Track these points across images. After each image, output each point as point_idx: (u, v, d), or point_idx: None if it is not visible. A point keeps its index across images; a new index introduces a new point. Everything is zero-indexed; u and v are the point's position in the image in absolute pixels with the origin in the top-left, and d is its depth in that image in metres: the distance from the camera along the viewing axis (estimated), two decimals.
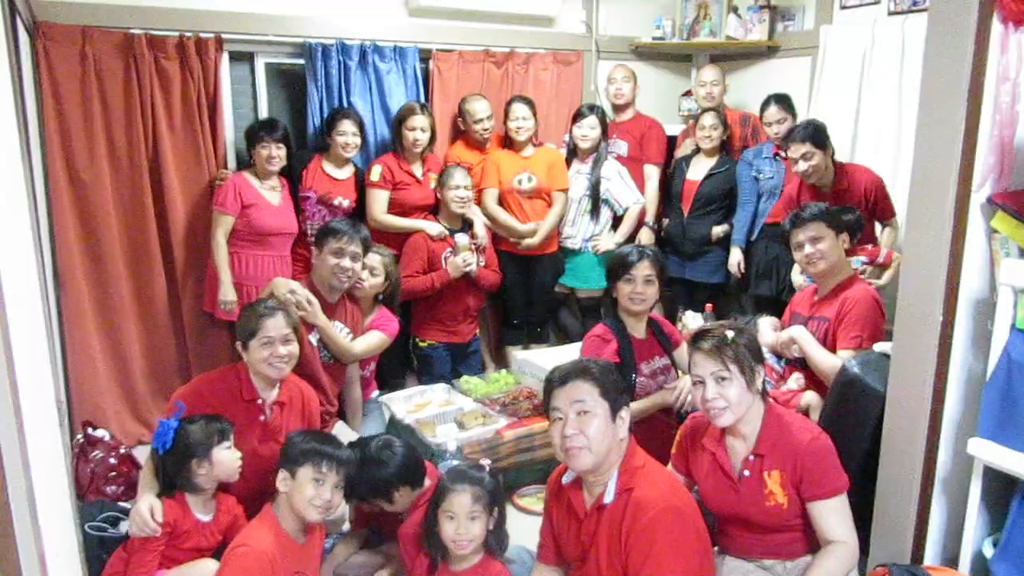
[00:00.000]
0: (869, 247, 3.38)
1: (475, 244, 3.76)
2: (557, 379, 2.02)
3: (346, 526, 2.72)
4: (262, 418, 2.52)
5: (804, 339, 2.80)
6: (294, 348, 2.54)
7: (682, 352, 2.99)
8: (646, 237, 4.21)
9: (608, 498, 1.95)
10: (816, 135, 3.40)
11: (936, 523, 2.20)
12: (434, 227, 3.72)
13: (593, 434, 1.93)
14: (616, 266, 2.92)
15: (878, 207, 3.48)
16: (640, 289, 2.87)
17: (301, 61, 3.80)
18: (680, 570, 1.84)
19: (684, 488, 2.10)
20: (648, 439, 2.58)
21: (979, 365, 2.14)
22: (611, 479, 1.97)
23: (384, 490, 2.34)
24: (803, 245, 2.84)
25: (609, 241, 4.13)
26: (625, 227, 4.16)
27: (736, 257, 4.00)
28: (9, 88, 1.99)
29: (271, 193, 3.52)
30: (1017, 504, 2.05)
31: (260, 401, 2.53)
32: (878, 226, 3.58)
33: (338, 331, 3.06)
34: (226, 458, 2.27)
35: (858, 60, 3.97)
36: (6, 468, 1.17)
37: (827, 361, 2.70)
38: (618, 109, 4.35)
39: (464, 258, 3.65)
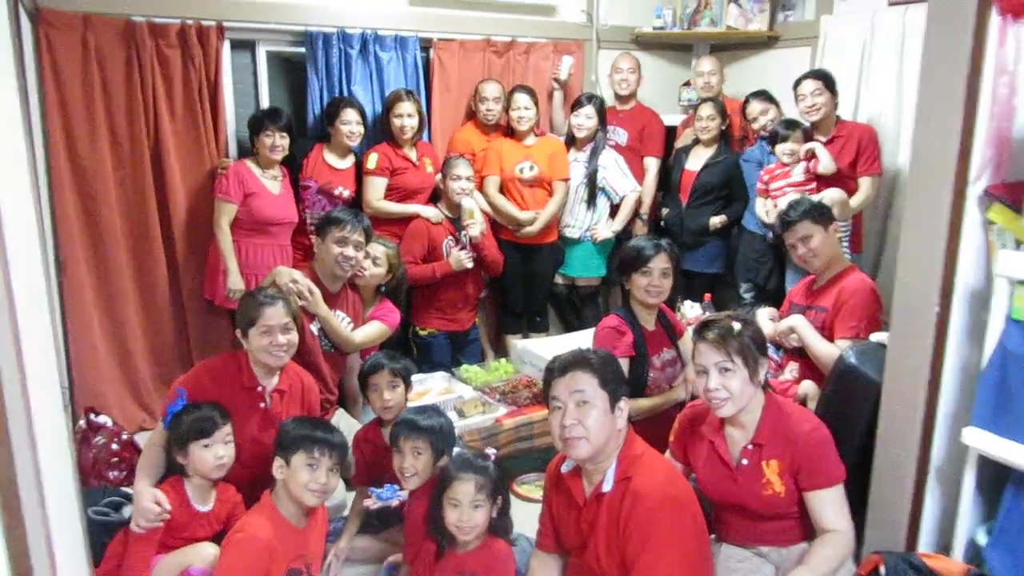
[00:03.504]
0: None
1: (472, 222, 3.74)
2: (557, 369, 2.03)
3: (347, 511, 2.74)
4: (262, 405, 2.54)
5: (803, 328, 2.82)
6: (293, 337, 2.56)
7: (686, 341, 3.01)
8: (638, 229, 4.22)
9: (607, 486, 1.97)
10: (827, 76, 3.65)
11: (930, 511, 2.22)
12: (431, 211, 3.73)
13: (592, 424, 1.94)
14: (632, 259, 2.91)
15: (862, 157, 3.54)
16: (657, 282, 2.88)
17: (302, 49, 3.79)
18: (677, 558, 1.86)
19: (682, 476, 2.11)
20: (657, 429, 2.61)
21: (974, 355, 2.15)
22: (610, 468, 1.99)
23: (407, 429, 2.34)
24: (796, 247, 2.92)
25: (607, 229, 4.14)
26: (622, 215, 4.16)
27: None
28: (12, 75, 1.99)
29: (272, 182, 3.52)
30: (1010, 493, 2.07)
31: (260, 389, 2.55)
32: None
33: (339, 320, 3.08)
34: (199, 456, 2.27)
35: (858, 51, 3.97)
36: (14, 449, 1.18)
37: (825, 351, 2.71)
38: (621, 98, 4.35)
39: (474, 234, 3.65)
